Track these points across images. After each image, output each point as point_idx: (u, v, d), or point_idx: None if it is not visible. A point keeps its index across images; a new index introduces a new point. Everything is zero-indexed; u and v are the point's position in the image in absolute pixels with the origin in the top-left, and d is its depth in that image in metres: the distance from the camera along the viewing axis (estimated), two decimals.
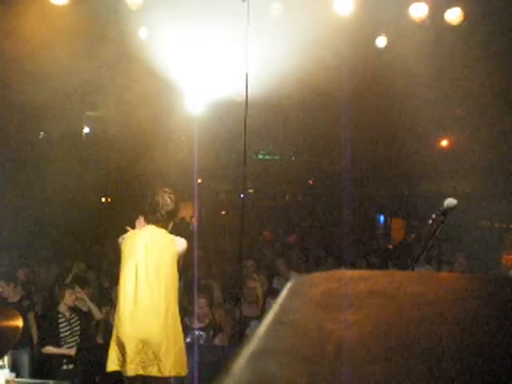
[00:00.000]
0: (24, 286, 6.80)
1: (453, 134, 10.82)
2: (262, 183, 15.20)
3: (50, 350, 5.67)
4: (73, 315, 5.87)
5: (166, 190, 3.99)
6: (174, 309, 3.84)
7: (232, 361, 0.54)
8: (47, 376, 5.47)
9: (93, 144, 12.96)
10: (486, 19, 6.89)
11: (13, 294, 6.29)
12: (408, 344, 0.57)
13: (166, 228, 3.94)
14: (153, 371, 3.70)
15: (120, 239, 3.95)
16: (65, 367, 5.63)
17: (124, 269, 3.83)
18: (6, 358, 3.78)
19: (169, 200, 3.91)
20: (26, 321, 5.34)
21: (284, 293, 0.73)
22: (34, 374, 5.87)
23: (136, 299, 3.74)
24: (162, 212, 3.88)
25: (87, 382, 5.47)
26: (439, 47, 7.23)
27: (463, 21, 6.89)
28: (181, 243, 3.93)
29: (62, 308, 5.83)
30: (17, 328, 2.56)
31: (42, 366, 5.93)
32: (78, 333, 5.83)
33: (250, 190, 14.99)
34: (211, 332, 5.76)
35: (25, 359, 5.95)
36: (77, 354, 5.63)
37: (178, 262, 3.90)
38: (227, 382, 0.51)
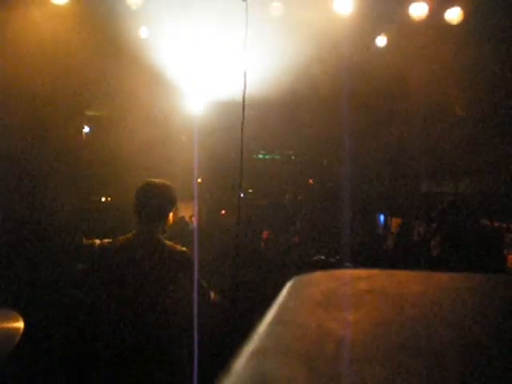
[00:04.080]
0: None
1: (453, 134, 10.80)
2: (261, 183, 15.20)
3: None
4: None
5: (153, 180, 3.14)
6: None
7: (232, 360, 0.54)
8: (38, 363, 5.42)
9: (93, 144, 12.94)
10: (485, 19, 6.89)
11: None
12: (408, 344, 0.57)
13: (160, 228, 3.17)
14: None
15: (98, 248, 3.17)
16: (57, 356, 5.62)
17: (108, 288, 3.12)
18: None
19: (155, 192, 3.10)
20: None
21: (284, 292, 0.73)
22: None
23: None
24: (152, 207, 3.09)
25: (81, 373, 5.44)
26: (439, 47, 7.23)
27: (463, 20, 6.90)
28: (181, 255, 3.21)
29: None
30: (17, 329, 2.55)
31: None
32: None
33: (250, 190, 14.99)
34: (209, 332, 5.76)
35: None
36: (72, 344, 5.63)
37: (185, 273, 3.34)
38: (227, 381, 0.51)
